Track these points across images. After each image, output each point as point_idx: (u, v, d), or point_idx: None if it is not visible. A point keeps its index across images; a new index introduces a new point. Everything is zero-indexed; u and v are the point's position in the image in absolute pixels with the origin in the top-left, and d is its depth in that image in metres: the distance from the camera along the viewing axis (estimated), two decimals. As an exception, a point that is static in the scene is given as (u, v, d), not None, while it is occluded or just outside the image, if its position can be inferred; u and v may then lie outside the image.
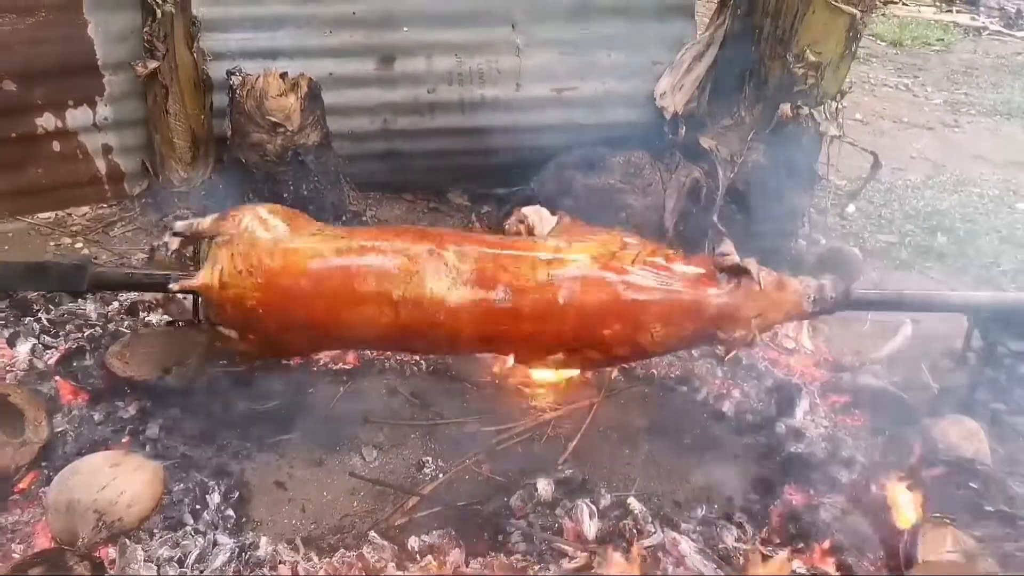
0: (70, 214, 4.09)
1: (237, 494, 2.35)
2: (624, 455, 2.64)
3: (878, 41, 9.79)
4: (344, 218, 3.98)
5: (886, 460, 2.50)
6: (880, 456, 2.54)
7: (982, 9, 13.03)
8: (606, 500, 2.38)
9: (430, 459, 2.56)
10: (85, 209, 4.13)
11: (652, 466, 2.60)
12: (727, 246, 2.33)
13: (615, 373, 3.04)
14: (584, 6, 3.95)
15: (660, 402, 2.92)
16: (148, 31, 3.58)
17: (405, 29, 3.94)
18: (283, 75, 3.58)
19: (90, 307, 3.20)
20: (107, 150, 4.01)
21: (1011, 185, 5.50)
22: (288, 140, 3.62)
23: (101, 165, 4.04)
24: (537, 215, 2.88)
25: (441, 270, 2.21)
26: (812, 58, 3.50)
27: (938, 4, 12.68)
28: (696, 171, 3.84)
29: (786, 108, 3.58)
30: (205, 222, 2.29)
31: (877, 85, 8.09)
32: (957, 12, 12.90)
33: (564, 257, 2.27)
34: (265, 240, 2.23)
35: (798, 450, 2.61)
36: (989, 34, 11.57)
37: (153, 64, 3.61)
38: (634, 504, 2.35)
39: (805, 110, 3.57)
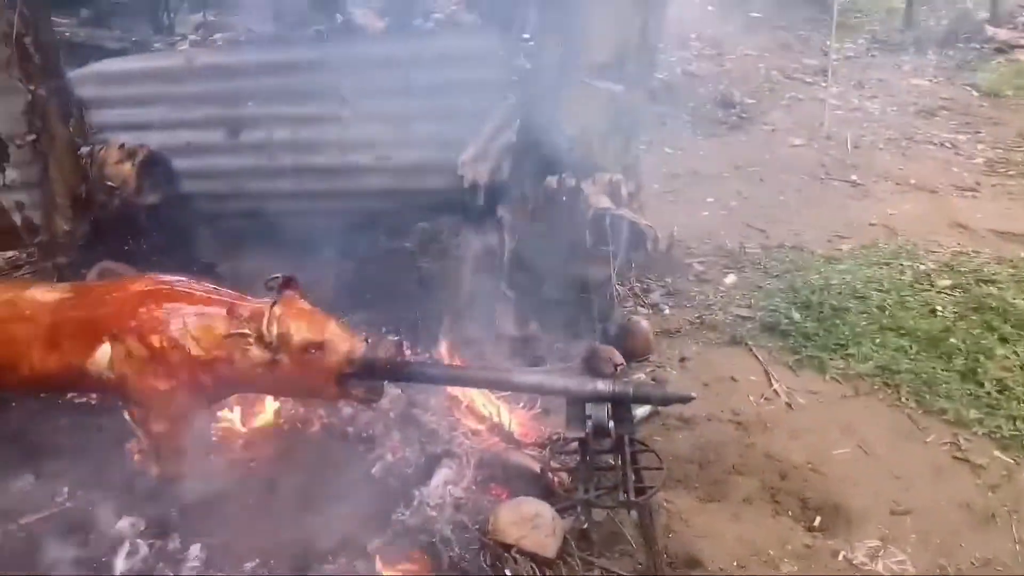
0: (-2, 257, 4.90)
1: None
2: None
3: (972, 92, 8.50)
4: (194, 270, 4.44)
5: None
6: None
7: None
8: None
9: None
10: (10, 253, 4.94)
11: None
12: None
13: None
14: (405, 83, 4.21)
15: (331, 457, 3.06)
16: (24, 110, 4.27)
17: (250, 104, 4.40)
18: (122, 145, 4.13)
19: None
20: (20, 206, 4.73)
21: (969, 258, 4.82)
22: (125, 201, 4.15)
23: (16, 218, 4.78)
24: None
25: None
26: (571, 131, 3.54)
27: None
28: (491, 238, 3.95)
29: (552, 180, 3.63)
30: None
31: (919, 142, 7.14)
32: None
33: None
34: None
35: (402, 517, 2.69)
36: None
37: (30, 137, 4.30)
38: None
39: (572, 182, 3.60)
